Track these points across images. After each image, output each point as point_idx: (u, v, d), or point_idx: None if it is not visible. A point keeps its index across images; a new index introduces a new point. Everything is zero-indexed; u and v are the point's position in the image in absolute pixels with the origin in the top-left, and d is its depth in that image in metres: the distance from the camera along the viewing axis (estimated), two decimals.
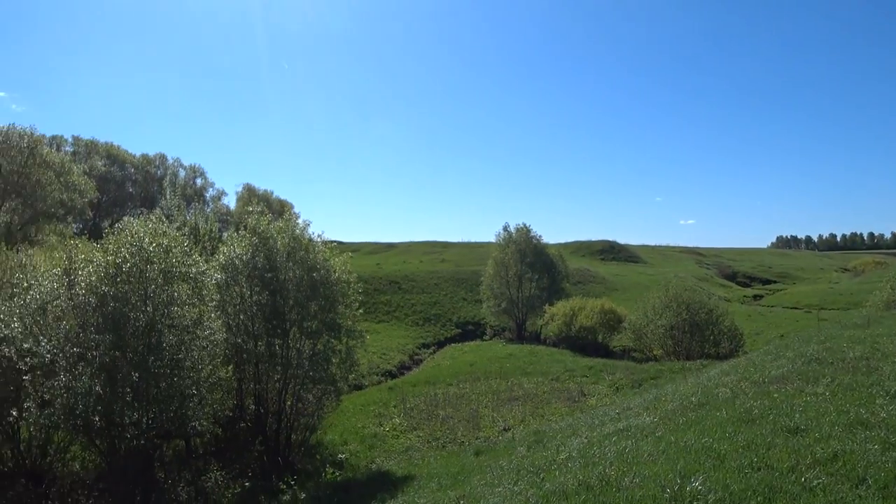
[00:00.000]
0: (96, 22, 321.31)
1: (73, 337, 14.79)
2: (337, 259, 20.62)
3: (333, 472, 19.04)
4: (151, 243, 15.85)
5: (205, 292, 17.20)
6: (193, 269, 16.72)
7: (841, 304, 57.94)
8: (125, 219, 17.59)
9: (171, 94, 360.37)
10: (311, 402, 20.43)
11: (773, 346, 19.19)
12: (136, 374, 14.88)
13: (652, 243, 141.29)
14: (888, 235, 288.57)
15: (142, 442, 15.33)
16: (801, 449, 7.30)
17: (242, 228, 21.26)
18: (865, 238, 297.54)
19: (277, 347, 19.59)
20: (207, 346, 16.48)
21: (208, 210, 73.08)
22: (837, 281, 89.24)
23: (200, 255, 18.43)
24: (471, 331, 51.58)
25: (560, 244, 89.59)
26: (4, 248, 19.97)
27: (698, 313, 35.46)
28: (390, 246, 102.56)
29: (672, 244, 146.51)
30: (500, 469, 12.15)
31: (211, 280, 18.17)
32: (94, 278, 15.10)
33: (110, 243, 15.86)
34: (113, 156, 70.76)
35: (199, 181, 79.61)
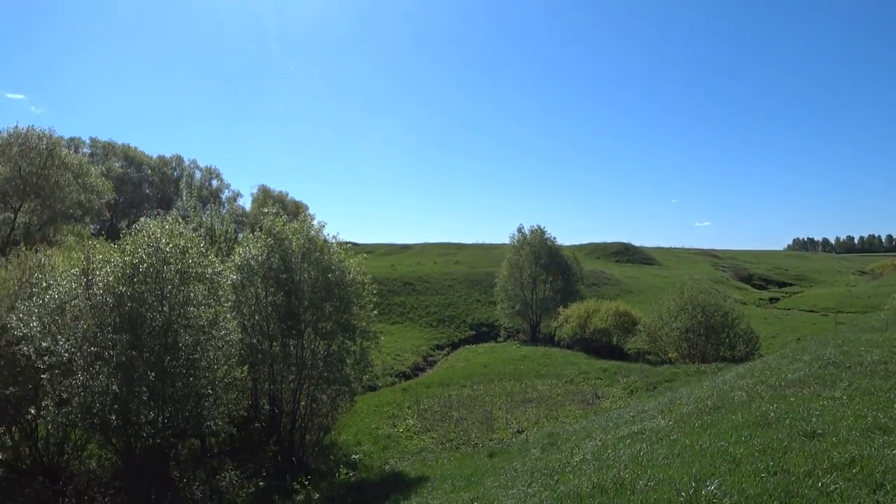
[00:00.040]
0: (113, 26, 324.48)
1: (90, 336, 14.95)
2: (352, 260, 20.66)
3: (347, 473, 19.10)
4: (168, 244, 15.97)
5: (220, 293, 17.30)
6: (209, 270, 16.85)
7: (858, 308, 57.32)
8: (142, 220, 17.76)
9: (185, 96, 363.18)
10: (326, 402, 20.49)
11: (790, 349, 19.06)
12: (153, 374, 15.00)
13: (667, 245, 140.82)
14: None
15: (157, 441, 15.47)
16: (818, 453, 7.23)
17: (258, 229, 21.35)
18: (884, 240, 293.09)
19: (292, 348, 19.66)
20: (223, 346, 16.57)
21: (224, 211, 73.40)
22: (855, 284, 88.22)
23: (216, 256, 18.57)
24: (485, 332, 51.55)
25: (574, 246, 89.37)
26: (24, 249, 20.18)
27: (714, 316, 35.19)
28: (405, 247, 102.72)
29: (687, 246, 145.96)
30: (513, 471, 12.15)
31: (227, 281, 18.27)
32: (111, 278, 15.24)
33: (128, 244, 16.00)
34: (130, 157, 71.37)
35: (214, 182, 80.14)
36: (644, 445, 9.72)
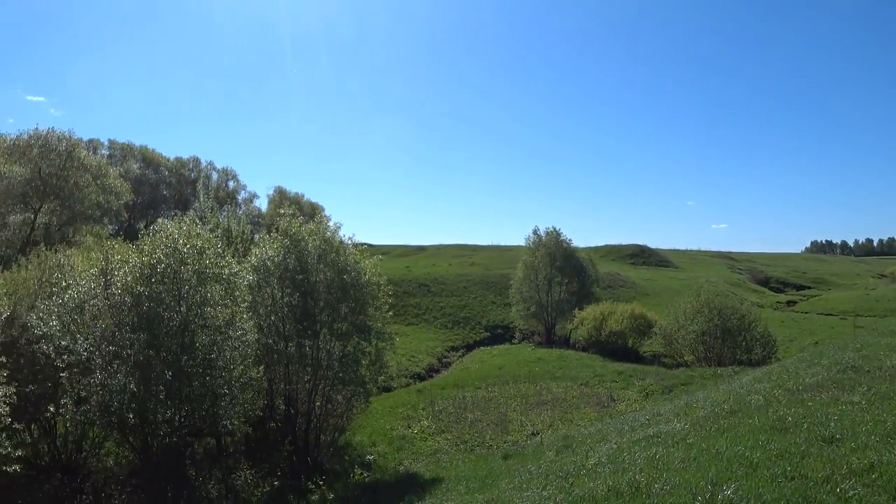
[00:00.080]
0: (131, 29, 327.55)
1: (108, 335, 15.12)
2: (367, 261, 20.71)
3: (362, 473, 19.14)
4: (185, 245, 16.11)
5: (237, 293, 17.41)
6: (226, 271, 16.95)
7: (878, 311, 56.76)
8: (160, 220, 17.93)
9: (201, 98, 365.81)
10: (341, 403, 20.57)
11: (808, 353, 18.88)
12: (170, 373, 15.14)
13: (683, 248, 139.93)
14: None
15: (174, 439, 15.59)
16: (837, 459, 7.16)
17: (274, 231, 21.47)
18: None
19: (308, 348, 19.75)
20: (239, 346, 16.67)
21: (240, 212, 73.65)
22: (874, 287, 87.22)
23: (233, 257, 18.67)
24: (500, 334, 51.51)
25: (590, 248, 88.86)
26: (44, 249, 20.43)
27: (730, 319, 34.97)
28: (420, 249, 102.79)
29: (703, 249, 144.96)
30: (528, 473, 12.13)
31: (243, 281, 18.38)
32: (129, 278, 15.40)
33: (145, 244, 16.16)
34: (147, 159, 71.87)
35: (231, 184, 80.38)
36: (660, 449, 9.68)
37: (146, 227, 18.17)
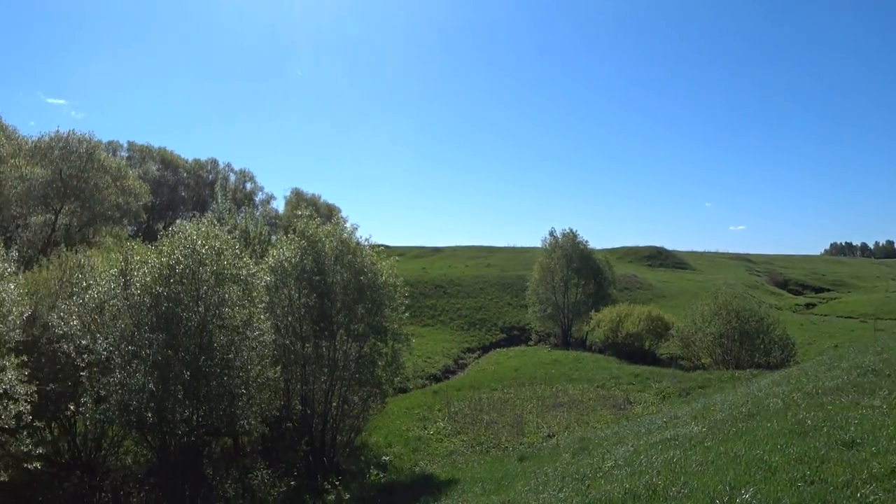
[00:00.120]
0: (150, 33, 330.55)
1: (128, 335, 15.28)
2: (384, 263, 20.78)
3: (377, 474, 19.20)
4: (204, 246, 16.24)
5: (254, 294, 17.50)
6: (244, 272, 17.07)
7: None
8: (178, 222, 18.09)
9: (219, 99, 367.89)
10: (357, 403, 20.64)
11: (827, 356, 18.72)
12: (188, 373, 15.26)
13: (700, 249, 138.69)
14: None
15: (192, 439, 15.70)
16: (857, 463, 7.08)
17: (291, 232, 21.58)
18: None
19: (324, 349, 19.84)
20: (256, 346, 16.77)
21: (258, 214, 74.10)
22: (895, 289, 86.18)
23: (250, 258, 18.79)
24: (516, 336, 51.36)
25: (607, 250, 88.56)
26: (64, 249, 20.67)
27: (748, 321, 34.67)
28: (436, 250, 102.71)
29: (721, 250, 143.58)
30: (544, 475, 12.11)
31: (261, 282, 18.46)
32: (148, 279, 15.55)
33: (164, 245, 16.30)
34: (166, 160, 72.50)
35: (248, 185, 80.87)
36: (677, 452, 9.63)
37: (165, 228, 18.31)
